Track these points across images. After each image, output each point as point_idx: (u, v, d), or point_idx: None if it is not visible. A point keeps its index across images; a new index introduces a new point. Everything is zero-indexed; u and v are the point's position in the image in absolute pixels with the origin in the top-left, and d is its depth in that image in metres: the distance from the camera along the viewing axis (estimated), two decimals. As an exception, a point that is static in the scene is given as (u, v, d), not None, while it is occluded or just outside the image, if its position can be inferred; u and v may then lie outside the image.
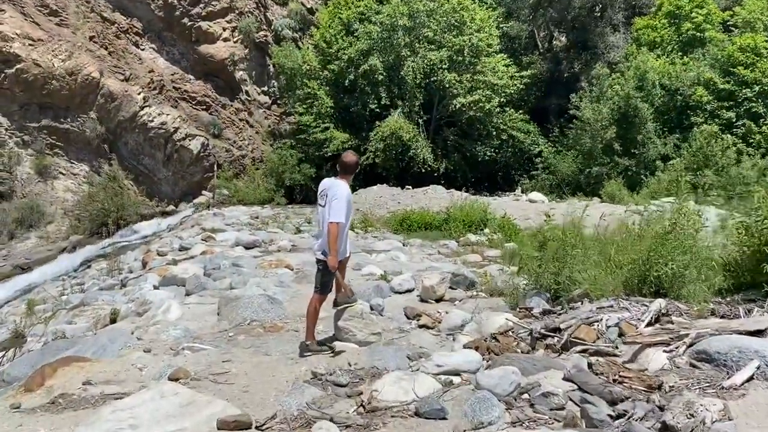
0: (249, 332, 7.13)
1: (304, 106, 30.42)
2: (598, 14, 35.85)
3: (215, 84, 31.83)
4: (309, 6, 35.15)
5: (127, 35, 29.09)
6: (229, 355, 6.18)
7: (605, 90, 30.05)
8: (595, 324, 5.72)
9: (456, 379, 4.94)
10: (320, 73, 30.89)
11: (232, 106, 32.29)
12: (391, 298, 8.83)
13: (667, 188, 25.12)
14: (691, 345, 5.00)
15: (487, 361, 5.28)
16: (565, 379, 4.71)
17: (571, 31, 36.90)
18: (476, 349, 5.53)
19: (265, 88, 34.20)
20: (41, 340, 9.31)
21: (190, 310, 8.68)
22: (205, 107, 30.91)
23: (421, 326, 7.18)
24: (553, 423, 4.11)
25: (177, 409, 4.45)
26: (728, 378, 4.42)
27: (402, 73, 29.22)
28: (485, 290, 8.76)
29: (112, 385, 5.42)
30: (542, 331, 5.65)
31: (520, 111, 32.87)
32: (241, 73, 32.59)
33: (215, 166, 29.97)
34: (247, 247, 14.69)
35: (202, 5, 30.62)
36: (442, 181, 28.46)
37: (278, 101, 34.35)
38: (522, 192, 30.10)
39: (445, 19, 29.64)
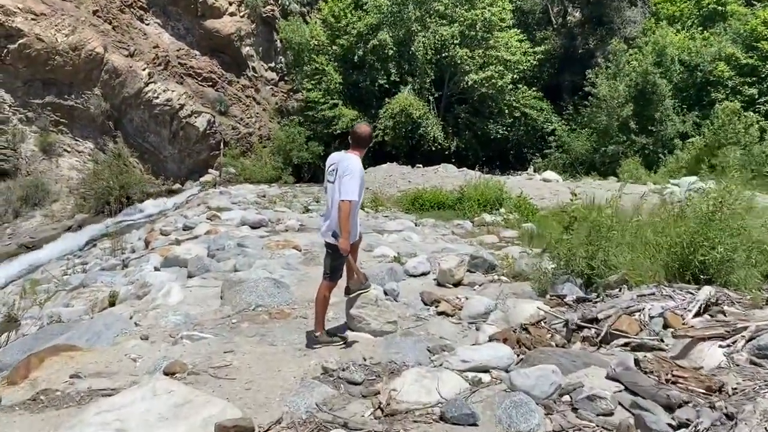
0: (253, 319, 6.60)
1: (312, 82, 29.79)
2: (615, -13, 34.78)
3: (221, 60, 31.12)
4: (317, -21, 34.26)
5: (132, 9, 28.37)
6: (232, 344, 5.65)
7: (622, 66, 29.24)
8: (637, 314, 5.14)
9: (485, 377, 4.37)
10: (328, 48, 30.21)
11: (238, 82, 31.61)
12: (406, 282, 8.28)
13: (686, 167, 24.47)
14: (750, 339, 4.42)
15: (518, 356, 4.72)
16: (610, 378, 4.14)
17: (586, 6, 35.81)
18: (504, 341, 4.96)
19: (272, 64, 33.48)
20: (38, 323, 8.92)
21: (192, 293, 8.17)
22: (211, 84, 30.25)
23: (439, 313, 6.63)
24: (602, 432, 3.56)
25: (170, 410, 3.91)
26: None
27: (412, 48, 28.50)
28: (507, 274, 8.18)
29: (101, 379, 4.91)
30: (579, 322, 5.06)
31: (533, 88, 32.19)
32: (247, 48, 31.85)
33: (222, 144, 29.39)
34: (253, 227, 14.16)
35: (207, -22, 29.82)
36: (453, 160, 27.88)
37: (285, 78, 33.66)
38: (534, 171, 29.46)
39: (456, -9, 28.79)
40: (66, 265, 16.97)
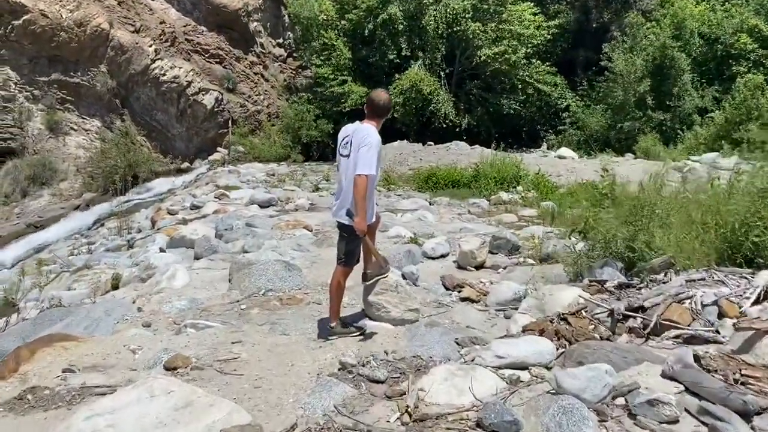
0: (263, 305, 6.14)
1: (321, 57, 29.08)
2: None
3: (229, 36, 30.40)
4: (326, -49, 33.34)
5: (137, -17, 27.71)
6: (240, 334, 5.18)
7: (639, 40, 28.33)
8: (687, 302, 4.62)
9: (523, 375, 3.87)
10: (337, 23, 29.45)
11: (246, 59, 30.93)
12: (424, 264, 7.80)
13: (705, 143, 23.73)
14: (823, 332, 3.90)
15: (557, 349, 4.22)
16: (666, 376, 3.64)
17: (601, -22, 34.80)
18: (541, 333, 4.45)
19: (281, 40, 32.75)
20: (39, 307, 8.54)
21: (198, 276, 7.74)
22: (218, 60, 29.60)
23: (463, 299, 6.15)
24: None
25: (169, 414, 3.46)
26: None
27: (423, 22, 27.72)
28: (533, 256, 7.67)
29: (96, 373, 4.46)
30: (625, 311, 4.54)
31: (547, 63, 31.31)
32: (255, 24, 31.12)
33: (230, 122, 28.84)
34: (263, 206, 13.73)
35: (214, -49, 29.04)
36: (464, 137, 27.15)
37: (294, 54, 32.95)
38: (548, 148, 28.75)
39: (469, -37, 27.87)
40: (73, 245, 16.68)
